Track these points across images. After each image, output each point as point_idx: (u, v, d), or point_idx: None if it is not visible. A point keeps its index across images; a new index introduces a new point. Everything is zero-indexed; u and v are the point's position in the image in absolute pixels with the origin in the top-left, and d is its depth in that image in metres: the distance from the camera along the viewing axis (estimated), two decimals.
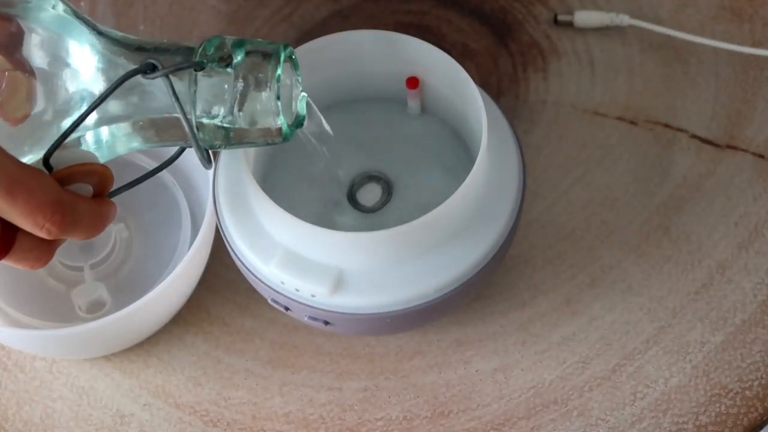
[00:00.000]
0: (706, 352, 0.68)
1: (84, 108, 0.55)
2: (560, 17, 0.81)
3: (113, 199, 0.56)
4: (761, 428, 0.67)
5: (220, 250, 0.68)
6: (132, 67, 0.55)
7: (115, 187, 0.56)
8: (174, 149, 0.60)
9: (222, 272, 0.72)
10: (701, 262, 0.71)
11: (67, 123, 0.55)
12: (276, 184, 0.67)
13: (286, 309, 0.63)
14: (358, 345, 0.70)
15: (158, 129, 0.57)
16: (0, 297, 0.71)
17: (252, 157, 0.64)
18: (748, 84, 0.78)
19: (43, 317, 0.70)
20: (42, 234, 0.51)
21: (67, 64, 0.55)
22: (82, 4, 0.84)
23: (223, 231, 0.64)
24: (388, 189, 0.67)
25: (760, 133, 0.76)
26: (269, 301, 0.64)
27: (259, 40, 0.56)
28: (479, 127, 0.61)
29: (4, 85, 0.54)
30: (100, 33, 0.56)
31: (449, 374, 0.69)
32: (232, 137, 0.56)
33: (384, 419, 0.68)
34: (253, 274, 0.63)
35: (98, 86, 0.56)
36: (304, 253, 0.61)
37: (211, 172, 0.65)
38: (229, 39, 0.56)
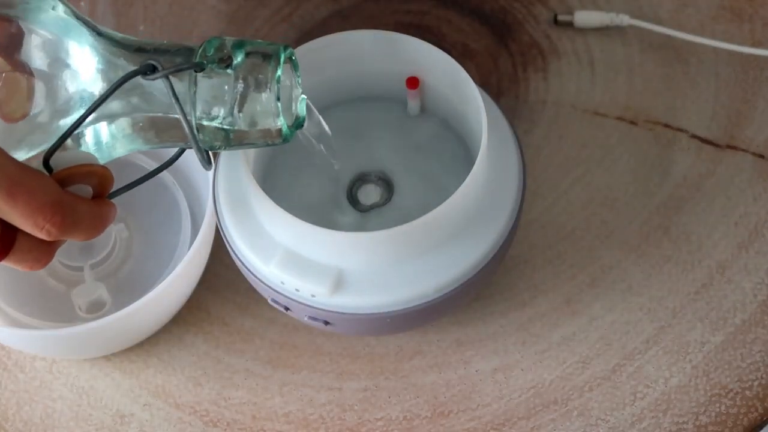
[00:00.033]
0: (706, 352, 0.68)
1: (84, 109, 0.55)
2: (560, 17, 0.81)
3: (113, 200, 0.56)
4: (761, 428, 0.67)
5: (220, 250, 0.69)
6: (132, 68, 0.55)
7: (115, 187, 0.56)
8: (174, 150, 0.60)
9: (222, 272, 0.72)
10: (701, 262, 0.71)
11: (66, 124, 0.55)
12: (276, 184, 0.67)
13: (286, 309, 0.63)
14: (358, 345, 0.70)
15: (158, 130, 0.57)
16: (0, 297, 0.71)
17: (252, 157, 0.64)
18: (748, 84, 0.78)
19: (43, 317, 0.70)
20: (42, 235, 0.51)
21: (67, 65, 0.55)
22: (82, 4, 0.84)
23: (223, 231, 0.64)
24: (388, 189, 0.67)
25: (760, 133, 0.76)
26: (269, 301, 0.64)
27: (259, 41, 0.56)
28: (479, 127, 0.61)
29: (2, 86, 0.54)
30: (99, 34, 0.56)
31: (449, 374, 0.69)
32: (231, 138, 0.56)
33: (384, 419, 0.68)
34: (253, 274, 0.63)
35: (98, 87, 0.56)
36: (304, 253, 0.61)
37: (211, 172, 0.65)
38: (229, 40, 0.56)
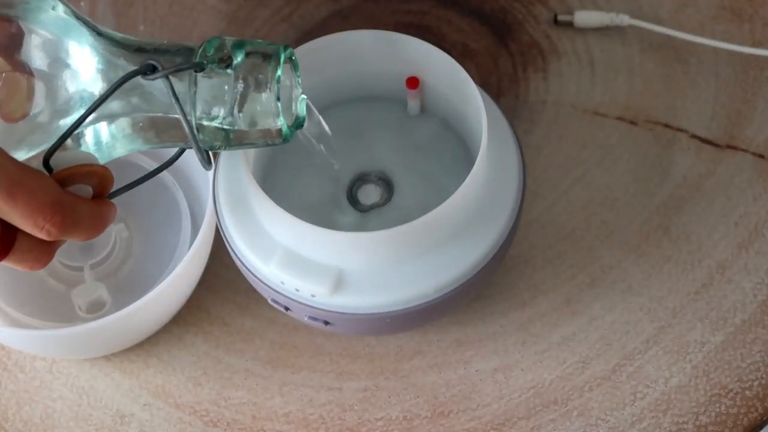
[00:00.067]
0: (706, 352, 0.68)
1: (84, 109, 0.55)
2: (560, 17, 0.81)
3: (113, 200, 0.56)
4: (761, 428, 0.67)
5: (220, 250, 0.69)
6: (132, 68, 0.55)
7: (115, 188, 0.56)
8: (174, 150, 0.60)
9: (222, 272, 0.72)
10: (701, 262, 0.71)
11: (66, 124, 0.55)
12: (276, 184, 0.67)
13: (286, 309, 0.63)
14: (358, 345, 0.70)
15: (158, 130, 0.57)
16: (0, 297, 0.71)
17: (252, 157, 0.64)
18: (748, 84, 0.78)
19: (43, 317, 0.70)
20: (42, 235, 0.51)
21: (67, 65, 0.55)
22: (82, 4, 0.84)
23: (223, 231, 0.64)
24: (388, 189, 0.67)
25: (760, 133, 0.76)
26: (269, 301, 0.64)
27: (259, 41, 0.56)
28: (479, 127, 0.61)
29: (2, 86, 0.54)
30: (99, 34, 0.56)
31: (449, 374, 0.69)
32: (231, 138, 0.56)
33: (384, 419, 0.68)
34: (253, 274, 0.63)
35: (98, 87, 0.56)
36: (304, 253, 0.61)
37: (211, 172, 0.65)
38: (229, 40, 0.56)
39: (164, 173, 0.64)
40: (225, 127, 0.55)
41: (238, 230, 0.63)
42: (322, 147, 0.63)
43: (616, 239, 0.73)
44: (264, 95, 0.55)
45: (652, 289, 0.71)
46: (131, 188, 0.58)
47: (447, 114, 0.68)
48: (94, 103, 0.54)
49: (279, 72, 0.55)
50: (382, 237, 0.59)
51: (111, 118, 0.56)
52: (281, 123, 0.56)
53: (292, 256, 0.61)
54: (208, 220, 0.67)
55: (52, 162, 0.53)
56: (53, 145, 0.54)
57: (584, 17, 0.80)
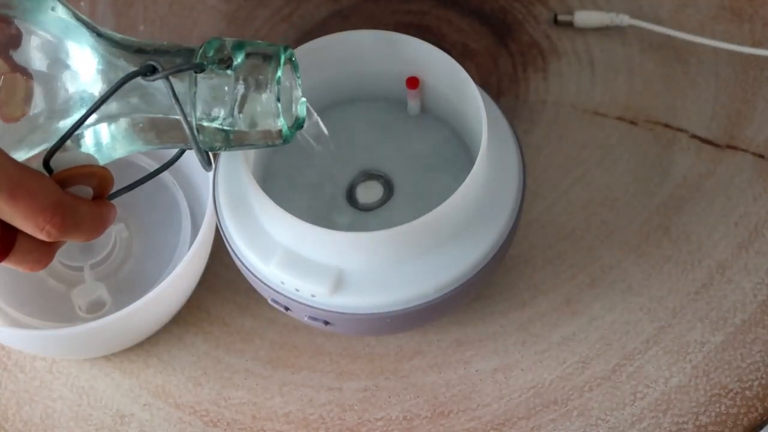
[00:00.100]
0: (706, 352, 0.68)
1: (84, 110, 0.55)
2: (560, 17, 0.81)
3: (113, 201, 0.56)
4: (761, 428, 0.67)
5: (220, 250, 0.69)
6: (132, 69, 0.55)
7: (115, 188, 0.56)
8: (174, 151, 0.60)
9: (222, 272, 0.72)
10: (701, 262, 0.71)
11: (66, 125, 0.55)
12: (276, 184, 0.67)
13: (286, 309, 0.63)
14: (358, 345, 0.70)
15: (158, 131, 0.57)
16: (0, 297, 0.71)
17: (252, 157, 0.64)
18: (748, 84, 0.78)
19: (43, 317, 0.70)
20: (42, 236, 0.51)
21: (67, 66, 0.55)
22: (82, 4, 0.84)
23: (223, 231, 0.64)
24: (388, 189, 0.67)
25: (760, 133, 0.76)
26: (269, 301, 0.64)
27: (259, 41, 0.56)
28: (479, 127, 0.61)
29: (0, 87, 0.54)
30: (99, 35, 0.56)
31: (449, 374, 0.69)
32: (232, 139, 0.56)
33: (384, 419, 0.68)
34: (253, 274, 0.63)
35: (98, 88, 0.56)
36: (304, 253, 0.61)
37: (211, 172, 0.65)
38: (229, 41, 0.56)
39: (164, 173, 0.64)
40: (225, 127, 0.55)
41: (238, 230, 0.63)
42: (321, 147, 0.63)
43: (616, 239, 0.73)
44: (264, 96, 0.55)
45: (652, 289, 0.71)
46: (131, 189, 0.58)
47: (447, 114, 0.68)
48: (94, 103, 0.54)
49: (279, 73, 0.55)
50: (382, 237, 0.59)
51: (111, 119, 0.56)
52: (281, 124, 0.56)
53: (292, 256, 0.61)
54: (208, 220, 0.67)
55: (53, 163, 0.53)
56: (53, 146, 0.54)
57: (584, 17, 0.80)
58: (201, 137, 0.56)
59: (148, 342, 0.71)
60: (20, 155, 0.55)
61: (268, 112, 0.55)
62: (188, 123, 0.55)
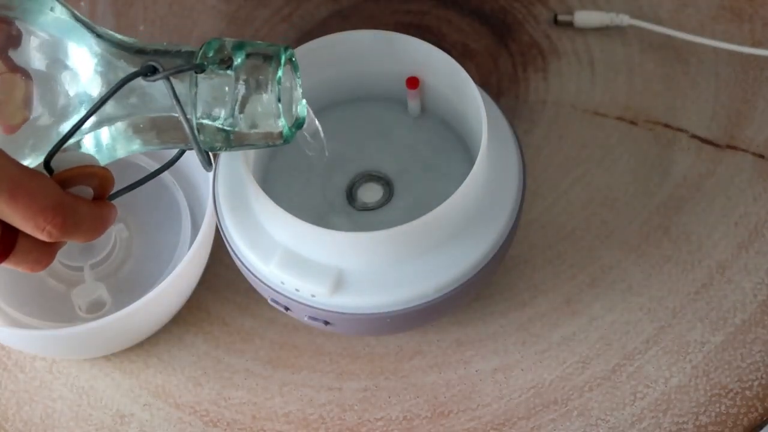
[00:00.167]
0: (706, 352, 0.68)
1: (84, 111, 0.55)
2: (560, 17, 0.81)
3: (114, 201, 0.56)
4: (761, 428, 0.67)
5: (220, 250, 0.69)
6: (132, 69, 0.55)
7: (115, 188, 0.56)
8: (174, 151, 0.60)
9: (222, 272, 0.72)
10: (701, 262, 0.71)
11: (66, 126, 0.55)
12: (275, 184, 0.67)
13: (286, 309, 0.63)
14: (358, 345, 0.70)
15: (159, 131, 0.57)
16: (0, 297, 0.71)
17: (252, 157, 0.64)
18: (748, 84, 0.78)
19: (43, 317, 0.70)
20: (43, 237, 0.51)
21: (67, 67, 0.55)
22: (82, 5, 0.84)
23: (223, 231, 0.64)
24: (388, 189, 0.67)
25: (760, 133, 0.76)
26: (269, 301, 0.64)
27: (260, 42, 0.56)
28: (479, 127, 0.61)
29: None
30: (99, 36, 0.56)
31: (449, 374, 0.69)
32: (232, 139, 0.56)
33: (384, 419, 0.68)
34: (253, 274, 0.63)
35: (98, 89, 0.56)
36: (304, 253, 0.61)
37: (211, 172, 0.65)
38: (229, 41, 0.56)
39: (164, 173, 0.64)
40: (226, 127, 0.55)
41: (238, 230, 0.63)
42: (321, 147, 0.63)
43: (616, 239, 0.73)
44: (265, 96, 0.55)
45: (652, 289, 0.71)
46: (132, 189, 0.58)
47: (447, 114, 0.68)
48: (95, 104, 0.54)
49: (280, 73, 0.55)
50: (382, 237, 0.59)
51: (111, 119, 0.56)
52: (282, 124, 0.56)
53: (292, 256, 0.61)
54: (208, 220, 0.67)
55: (53, 163, 0.53)
56: (54, 146, 0.54)
57: (584, 17, 0.80)
58: (201, 137, 0.56)
59: (148, 342, 0.71)
60: (30, 161, 0.55)
61: (269, 112, 0.55)
62: (189, 123, 0.55)
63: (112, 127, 0.56)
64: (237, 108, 0.55)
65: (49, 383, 0.70)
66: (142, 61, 0.55)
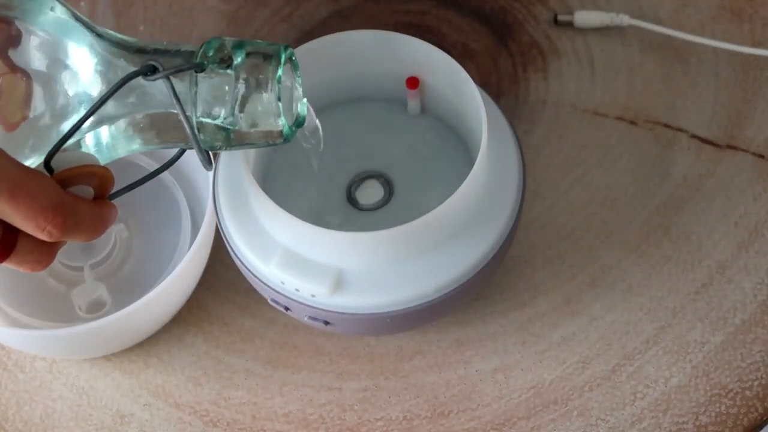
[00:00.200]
0: (706, 352, 0.68)
1: (84, 110, 0.55)
2: (560, 17, 0.81)
3: (114, 201, 0.56)
4: (761, 428, 0.67)
5: (220, 250, 0.69)
6: (132, 69, 0.55)
7: (115, 188, 0.56)
8: (174, 150, 0.60)
9: (222, 272, 0.72)
10: (701, 262, 0.71)
11: (66, 126, 0.55)
12: (275, 184, 0.67)
13: (286, 309, 0.63)
14: (358, 345, 0.70)
15: (159, 131, 0.57)
16: (0, 297, 0.71)
17: (252, 157, 0.64)
18: (748, 84, 0.78)
19: (43, 317, 0.70)
20: (43, 236, 0.51)
21: (67, 67, 0.55)
22: (82, 4, 0.84)
23: (223, 231, 0.64)
24: (388, 189, 0.67)
25: (760, 133, 0.76)
26: (269, 301, 0.64)
27: (259, 41, 0.56)
28: (479, 127, 0.61)
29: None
30: (99, 35, 0.56)
31: (449, 374, 0.69)
32: (232, 138, 0.56)
33: (384, 419, 0.68)
34: (253, 274, 0.63)
35: (98, 88, 0.56)
36: (304, 253, 0.61)
37: (211, 172, 0.65)
38: (229, 40, 0.56)
39: (164, 173, 0.64)
40: (226, 127, 0.55)
41: (238, 230, 0.63)
42: (321, 147, 0.63)
43: (616, 239, 0.73)
44: (265, 95, 0.55)
45: (652, 289, 0.71)
46: (132, 189, 0.58)
47: (447, 114, 0.68)
48: (95, 104, 0.54)
49: (280, 72, 0.55)
50: (382, 237, 0.59)
51: (111, 119, 0.56)
52: (282, 123, 0.56)
53: (292, 256, 0.61)
54: (208, 220, 0.67)
55: (53, 163, 0.53)
56: (54, 146, 0.54)
57: (584, 17, 0.80)
58: (202, 136, 0.56)
59: (148, 342, 0.71)
60: (31, 162, 0.55)
61: (269, 111, 0.55)
62: (189, 122, 0.55)
63: (112, 127, 0.56)
64: (237, 107, 0.55)
65: (49, 383, 0.70)
66: (142, 60, 0.55)
